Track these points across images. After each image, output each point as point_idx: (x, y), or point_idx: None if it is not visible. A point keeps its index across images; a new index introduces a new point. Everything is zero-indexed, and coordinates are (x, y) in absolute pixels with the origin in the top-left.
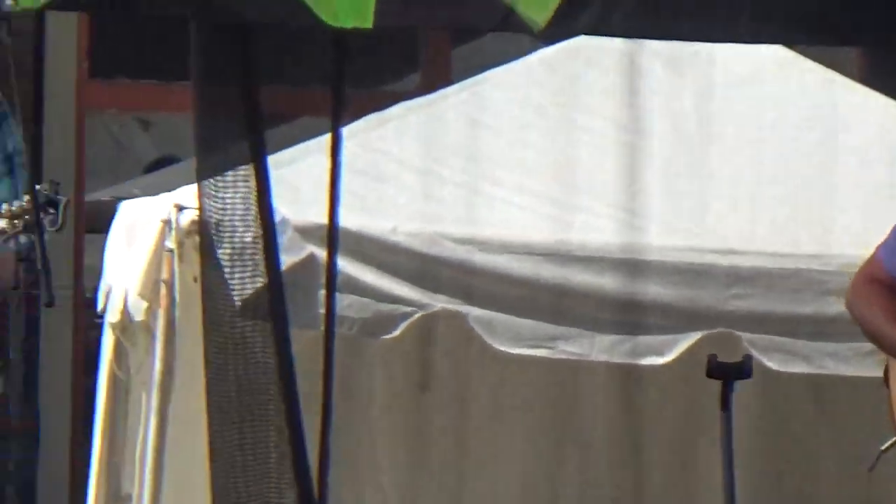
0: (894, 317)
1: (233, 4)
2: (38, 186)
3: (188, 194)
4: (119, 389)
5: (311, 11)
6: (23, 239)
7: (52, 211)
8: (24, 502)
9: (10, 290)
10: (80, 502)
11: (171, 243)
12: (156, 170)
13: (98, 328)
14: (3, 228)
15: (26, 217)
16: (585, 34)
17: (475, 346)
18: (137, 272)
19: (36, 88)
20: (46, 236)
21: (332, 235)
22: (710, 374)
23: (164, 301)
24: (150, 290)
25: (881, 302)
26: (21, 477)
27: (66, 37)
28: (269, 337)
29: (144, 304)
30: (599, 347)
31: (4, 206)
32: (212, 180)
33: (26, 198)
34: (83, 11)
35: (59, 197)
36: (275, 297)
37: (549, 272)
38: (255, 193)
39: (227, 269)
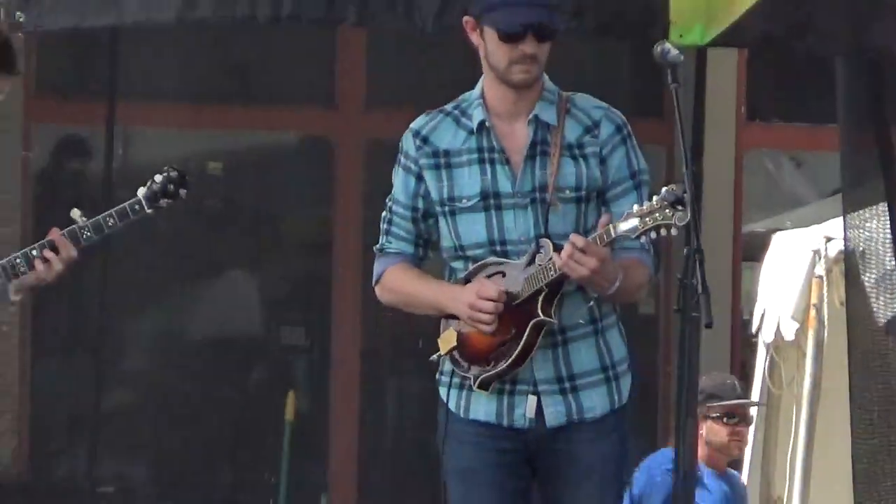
0: None
1: (878, 38)
2: (667, 189)
3: (836, 226)
4: (771, 401)
5: None
6: (653, 235)
7: (679, 208)
8: None
9: (675, 311)
10: None
11: (820, 270)
12: None
13: (751, 346)
14: (635, 226)
15: (655, 215)
16: None
17: None
18: (790, 297)
19: (695, 126)
20: (674, 232)
21: None
22: None
23: (813, 322)
24: (802, 313)
25: None
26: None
27: (726, 83)
28: None
29: (796, 326)
30: None
31: (635, 207)
32: (857, 212)
33: (654, 198)
34: (747, 47)
35: (685, 195)
36: None
37: None
38: (891, 225)
39: (871, 294)
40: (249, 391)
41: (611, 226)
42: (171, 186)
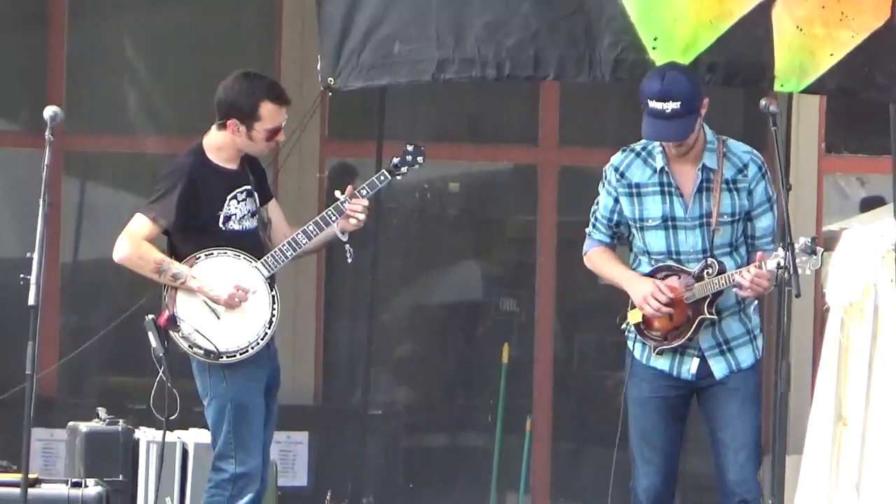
0: None
1: None
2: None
3: (889, 224)
4: (841, 349)
5: None
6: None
7: (813, 256)
8: None
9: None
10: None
11: (876, 255)
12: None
13: (827, 310)
14: (778, 263)
15: (801, 257)
16: None
17: None
18: (855, 273)
19: (788, 156)
20: (808, 272)
21: None
22: None
23: (870, 290)
24: (863, 284)
25: None
26: None
27: (811, 125)
28: None
29: (859, 293)
30: None
31: (780, 250)
32: None
33: (795, 245)
34: (827, 95)
35: (817, 248)
36: None
37: None
38: None
39: None
40: (477, 342)
41: (763, 262)
42: (409, 157)
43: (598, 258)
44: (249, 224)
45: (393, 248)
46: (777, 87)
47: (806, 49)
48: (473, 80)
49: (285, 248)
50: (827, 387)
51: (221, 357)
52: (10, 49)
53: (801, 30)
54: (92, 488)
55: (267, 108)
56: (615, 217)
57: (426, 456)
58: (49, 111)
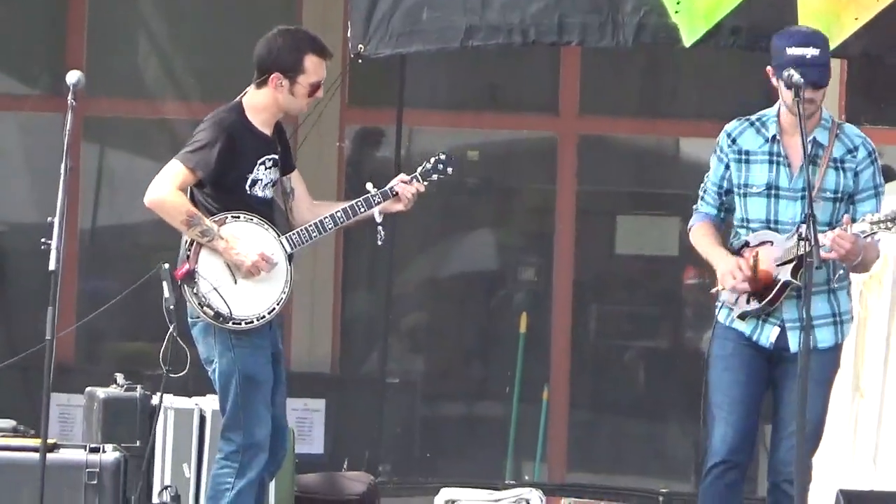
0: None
1: None
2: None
3: None
4: (859, 320)
5: None
6: (876, 238)
7: None
8: None
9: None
10: None
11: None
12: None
13: None
14: (864, 229)
15: (880, 224)
16: None
17: None
18: None
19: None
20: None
21: None
22: None
23: (889, 263)
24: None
25: None
26: None
27: (832, 96)
28: None
29: (878, 265)
30: None
31: (868, 215)
32: None
33: (882, 214)
34: (851, 59)
35: None
36: None
37: None
38: None
39: None
40: (494, 312)
41: (849, 225)
42: (441, 166)
43: (696, 234)
44: (269, 193)
45: (411, 216)
46: None
47: (830, 12)
48: (500, 46)
49: (311, 229)
50: (844, 358)
51: (229, 322)
52: (31, 13)
53: None
54: (110, 454)
55: (311, 61)
56: (724, 184)
57: (443, 425)
58: (72, 76)
